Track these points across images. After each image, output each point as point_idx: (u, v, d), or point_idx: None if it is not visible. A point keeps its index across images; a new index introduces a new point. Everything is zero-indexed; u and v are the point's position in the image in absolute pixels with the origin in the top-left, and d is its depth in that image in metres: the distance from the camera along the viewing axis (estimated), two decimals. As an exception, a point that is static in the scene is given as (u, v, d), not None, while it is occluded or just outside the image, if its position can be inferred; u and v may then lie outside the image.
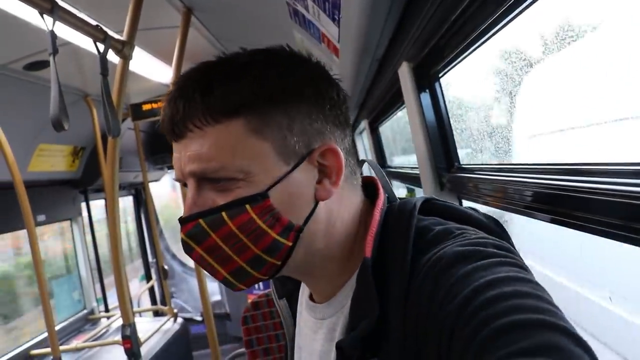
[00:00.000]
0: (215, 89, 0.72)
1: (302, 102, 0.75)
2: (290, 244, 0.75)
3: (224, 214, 0.73)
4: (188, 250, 0.77)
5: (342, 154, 0.78)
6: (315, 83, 0.77)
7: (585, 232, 0.83)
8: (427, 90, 1.76)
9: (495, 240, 0.68)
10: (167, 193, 8.15)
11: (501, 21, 1.12)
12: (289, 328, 0.98)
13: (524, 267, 0.62)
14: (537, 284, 0.58)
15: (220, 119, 0.72)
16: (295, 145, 0.75)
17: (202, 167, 0.73)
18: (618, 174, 0.77)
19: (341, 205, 0.81)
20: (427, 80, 1.74)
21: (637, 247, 0.70)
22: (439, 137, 1.76)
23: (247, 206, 0.72)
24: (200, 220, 0.74)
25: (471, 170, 1.57)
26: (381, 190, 0.84)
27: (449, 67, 1.60)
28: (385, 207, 0.80)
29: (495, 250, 0.64)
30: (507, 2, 1.02)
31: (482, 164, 1.67)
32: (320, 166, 0.77)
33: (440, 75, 1.68)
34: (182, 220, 0.76)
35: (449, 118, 1.73)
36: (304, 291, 0.95)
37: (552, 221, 0.93)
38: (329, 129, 0.78)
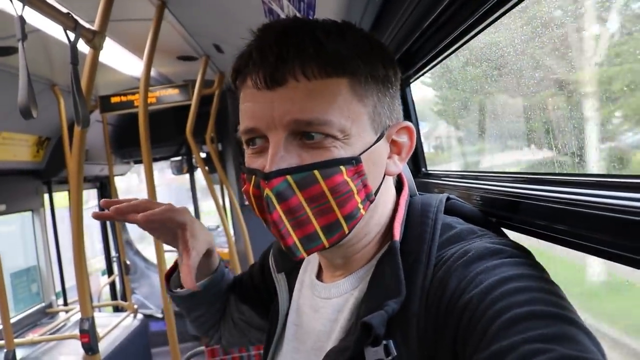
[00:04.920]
0: (325, 44, 0.70)
1: (388, 78, 0.77)
2: (364, 213, 0.74)
3: (316, 172, 0.69)
4: (269, 209, 0.70)
5: (415, 133, 0.80)
6: (393, 64, 0.79)
7: (542, 239, 0.85)
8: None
9: (518, 244, 0.71)
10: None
11: (474, 29, 1.14)
12: (284, 303, 0.95)
13: (544, 270, 0.65)
14: (556, 285, 0.61)
15: (331, 74, 0.70)
16: (382, 116, 0.76)
17: (310, 118, 0.69)
18: (577, 184, 0.80)
19: (389, 188, 0.82)
20: (397, 85, 1.75)
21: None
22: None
23: (342, 167, 0.70)
24: (289, 177, 0.69)
25: (437, 176, 1.60)
26: (406, 182, 0.86)
27: (419, 74, 1.62)
28: (408, 199, 0.82)
29: (519, 252, 0.67)
30: (479, 11, 1.04)
31: (448, 171, 1.70)
32: (392, 142, 0.79)
33: (410, 81, 1.70)
34: (267, 175, 0.69)
35: (417, 124, 1.76)
36: (306, 269, 0.95)
37: (512, 228, 0.95)
38: (397, 109, 0.80)
